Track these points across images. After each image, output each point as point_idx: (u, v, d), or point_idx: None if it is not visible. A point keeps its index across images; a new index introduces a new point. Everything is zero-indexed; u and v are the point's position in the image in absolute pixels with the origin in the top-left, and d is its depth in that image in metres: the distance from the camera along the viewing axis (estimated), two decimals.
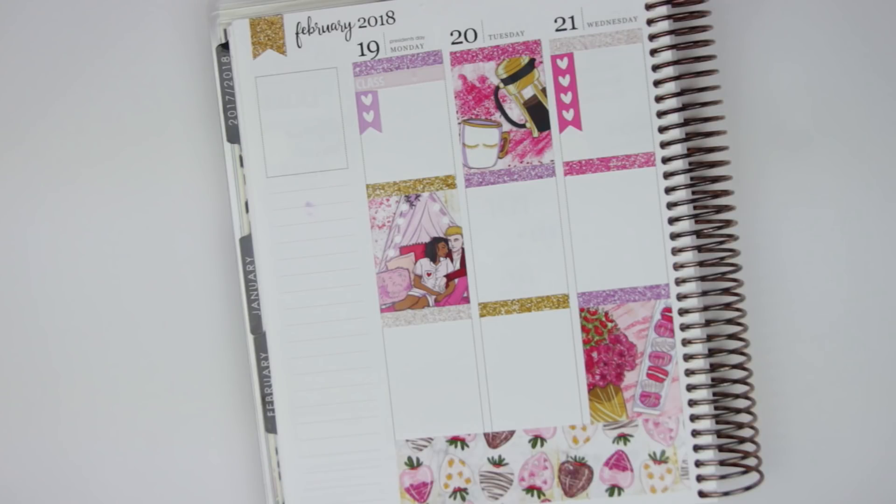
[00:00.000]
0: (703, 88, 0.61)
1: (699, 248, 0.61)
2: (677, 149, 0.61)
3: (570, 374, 0.62)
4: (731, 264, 0.61)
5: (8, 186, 0.65)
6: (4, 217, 0.66)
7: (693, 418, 0.61)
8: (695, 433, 0.61)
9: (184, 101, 0.65)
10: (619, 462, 0.62)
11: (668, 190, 0.61)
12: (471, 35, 0.62)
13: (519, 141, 0.62)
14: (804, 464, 0.63)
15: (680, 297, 0.61)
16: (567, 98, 0.62)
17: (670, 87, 0.61)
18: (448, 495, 0.63)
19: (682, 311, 0.61)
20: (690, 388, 0.61)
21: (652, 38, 0.61)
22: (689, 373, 0.61)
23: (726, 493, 0.61)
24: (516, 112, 0.62)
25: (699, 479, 0.61)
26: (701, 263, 0.61)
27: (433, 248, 0.63)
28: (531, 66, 0.62)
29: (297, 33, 0.63)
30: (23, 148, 0.65)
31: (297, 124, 0.63)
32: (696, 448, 0.61)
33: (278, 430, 0.63)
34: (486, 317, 0.62)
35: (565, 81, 0.62)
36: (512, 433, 0.62)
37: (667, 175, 0.61)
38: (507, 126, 0.62)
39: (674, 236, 0.61)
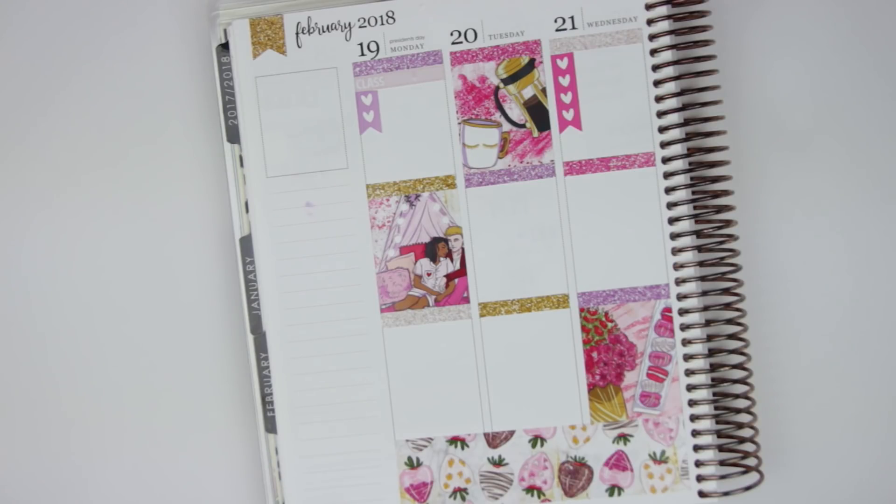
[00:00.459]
0: (703, 88, 0.61)
1: (699, 248, 0.61)
2: (677, 149, 0.61)
3: (570, 374, 0.62)
4: (731, 264, 0.61)
5: (7, 186, 0.65)
6: (4, 217, 0.66)
7: (693, 418, 0.61)
8: (695, 433, 0.61)
9: (184, 102, 0.65)
10: (619, 462, 0.62)
11: (668, 190, 0.61)
12: (471, 35, 0.62)
13: (519, 141, 0.62)
14: (804, 464, 0.63)
15: (680, 297, 0.61)
16: (567, 98, 0.62)
17: (670, 87, 0.61)
18: (448, 495, 0.63)
19: (682, 311, 0.61)
20: (690, 388, 0.61)
21: (652, 38, 0.61)
22: (689, 373, 0.61)
23: (726, 493, 0.61)
24: (516, 112, 0.62)
25: (699, 479, 0.61)
26: (701, 263, 0.61)
27: (433, 248, 0.63)
28: (531, 66, 0.62)
29: (297, 33, 0.63)
30: (22, 148, 0.65)
31: (297, 124, 0.63)
32: (696, 448, 0.61)
33: (278, 430, 0.63)
34: (486, 317, 0.62)
35: (565, 81, 0.62)
36: (512, 433, 0.62)
37: (667, 175, 0.61)
38: (507, 126, 0.62)
39: (674, 236, 0.61)
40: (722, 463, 0.61)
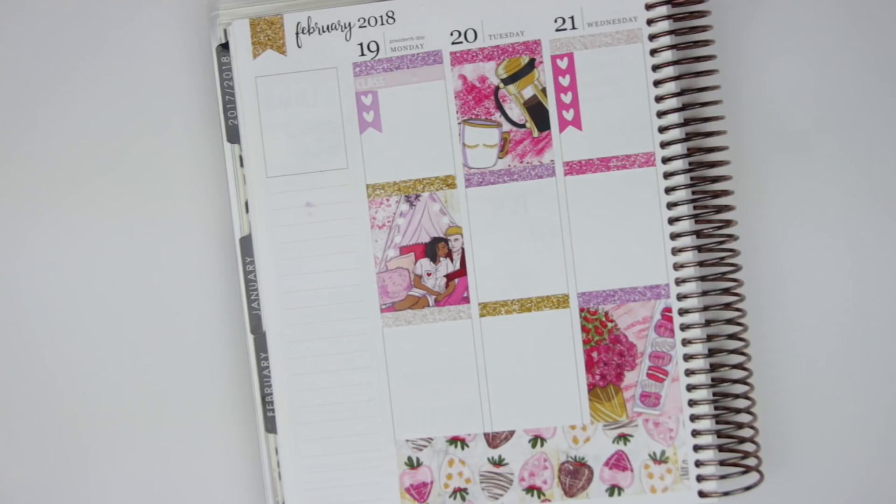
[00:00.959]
0: (703, 88, 0.61)
1: (699, 248, 0.61)
2: (677, 149, 0.61)
3: (570, 374, 0.62)
4: (731, 264, 0.61)
5: (7, 187, 0.65)
6: (3, 216, 0.66)
7: (693, 418, 0.61)
8: (695, 433, 0.61)
9: (184, 101, 0.65)
10: (619, 462, 0.62)
11: (668, 190, 0.61)
12: (471, 35, 0.62)
13: (519, 141, 0.62)
14: (804, 464, 0.63)
15: (680, 297, 0.61)
16: (567, 98, 0.62)
17: (670, 87, 0.61)
18: (448, 495, 0.63)
19: (682, 311, 0.61)
20: (690, 388, 0.61)
21: (652, 38, 0.61)
22: (689, 373, 0.61)
23: (726, 493, 0.61)
24: (516, 112, 0.62)
25: (699, 479, 0.61)
26: (701, 263, 0.61)
27: (433, 248, 0.63)
28: (531, 66, 0.62)
29: (297, 33, 0.63)
30: (22, 148, 0.65)
31: (297, 124, 0.63)
32: (696, 448, 0.61)
33: (278, 430, 0.63)
34: (486, 317, 0.62)
35: (565, 81, 0.62)
36: (512, 433, 0.62)
37: (667, 175, 0.61)
38: (507, 126, 0.62)
39: (674, 236, 0.61)
40: (722, 463, 0.61)
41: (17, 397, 0.66)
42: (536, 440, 0.62)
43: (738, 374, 0.61)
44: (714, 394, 0.61)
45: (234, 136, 0.63)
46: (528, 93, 0.62)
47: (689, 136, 0.61)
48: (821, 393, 0.63)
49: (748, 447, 0.61)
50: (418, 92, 0.62)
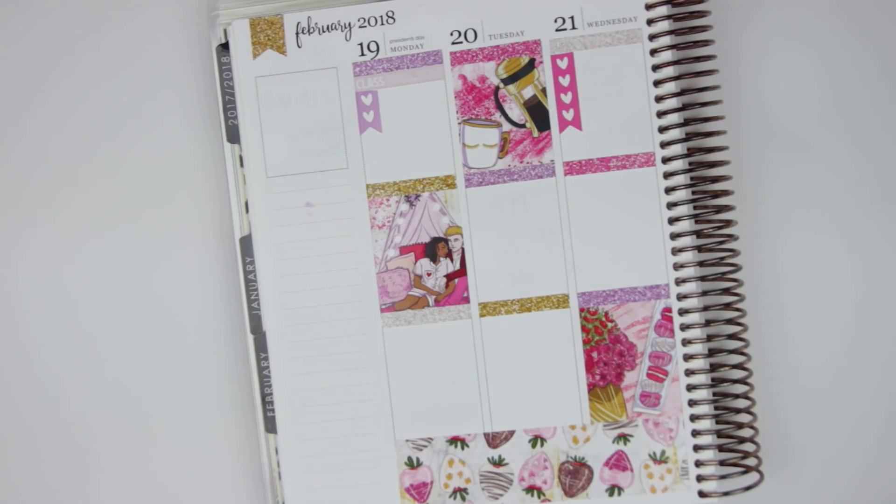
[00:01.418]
0: (703, 88, 0.61)
1: (699, 248, 0.61)
2: (677, 149, 0.61)
3: (570, 374, 0.62)
4: (731, 264, 0.61)
5: (6, 187, 0.65)
6: (3, 216, 0.66)
7: (693, 418, 0.61)
8: (695, 433, 0.61)
9: (184, 102, 0.65)
10: (619, 462, 0.62)
11: (668, 190, 0.61)
12: (471, 35, 0.62)
13: (519, 141, 0.62)
14: (804, 464, 0.63)
15: (680, 297, 0.61)
16: (567, 98, 0.62)
17: (670, 87, 0.61)
18: (448, 495, 0.63)
19: (682, 311, 0.61)
20: (690, 388, 0.61)
21: (652, 38, 0.61)
22: (689, 373, 0.61)
23: (726, 493, 0.61)
24: (516, 112, 0.62)
25: (699, 479, 0.61)
26: (701, 263, 0.61)
27: (433, 248, 0.63)
28: (531, 66, 0.62)
29: (297, 33, 0.63)
30: (21, 149, 0.65)
31: (297, 124, 0.63)
32: (696, 448, 0.61)
33: (278, 430, 0.63)
34: (486, 317, 0.62)
35: (565, 81, 0.62)
36: (512, 433, 0.62)
37: (667, 175, 0.61)
38: (507, 126, 0.62)
39: (674, 236, 0.61)
40: (722, 463, 0.61)
41: (18, 397, 0.66)
42: (536, 440, 0.62)
43: (738, 374, 0.61)
44: (714, 394, 0.61)
45: (234, 136, 0.63)
46: (528, 93, 0.62)
47: (689, 137, 0.61)
48: (821, 393, 0.63)
49: (748, 447, 0.61)
50: (418, 92, 0.62)
